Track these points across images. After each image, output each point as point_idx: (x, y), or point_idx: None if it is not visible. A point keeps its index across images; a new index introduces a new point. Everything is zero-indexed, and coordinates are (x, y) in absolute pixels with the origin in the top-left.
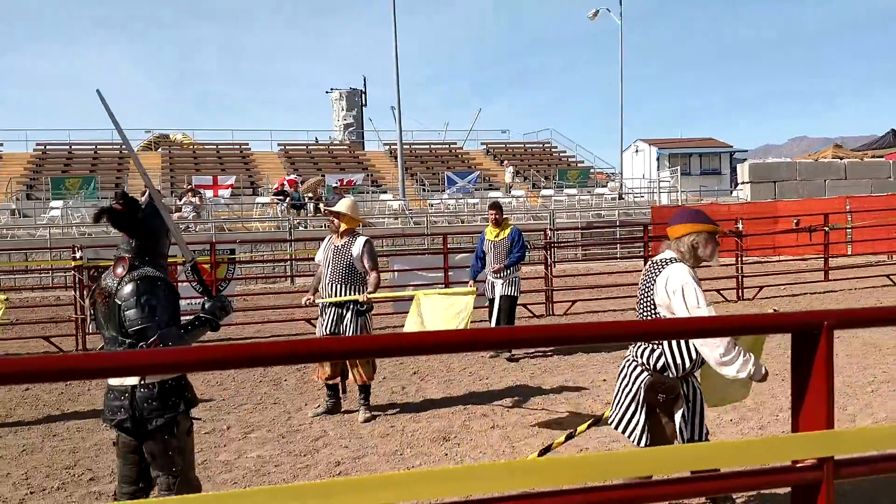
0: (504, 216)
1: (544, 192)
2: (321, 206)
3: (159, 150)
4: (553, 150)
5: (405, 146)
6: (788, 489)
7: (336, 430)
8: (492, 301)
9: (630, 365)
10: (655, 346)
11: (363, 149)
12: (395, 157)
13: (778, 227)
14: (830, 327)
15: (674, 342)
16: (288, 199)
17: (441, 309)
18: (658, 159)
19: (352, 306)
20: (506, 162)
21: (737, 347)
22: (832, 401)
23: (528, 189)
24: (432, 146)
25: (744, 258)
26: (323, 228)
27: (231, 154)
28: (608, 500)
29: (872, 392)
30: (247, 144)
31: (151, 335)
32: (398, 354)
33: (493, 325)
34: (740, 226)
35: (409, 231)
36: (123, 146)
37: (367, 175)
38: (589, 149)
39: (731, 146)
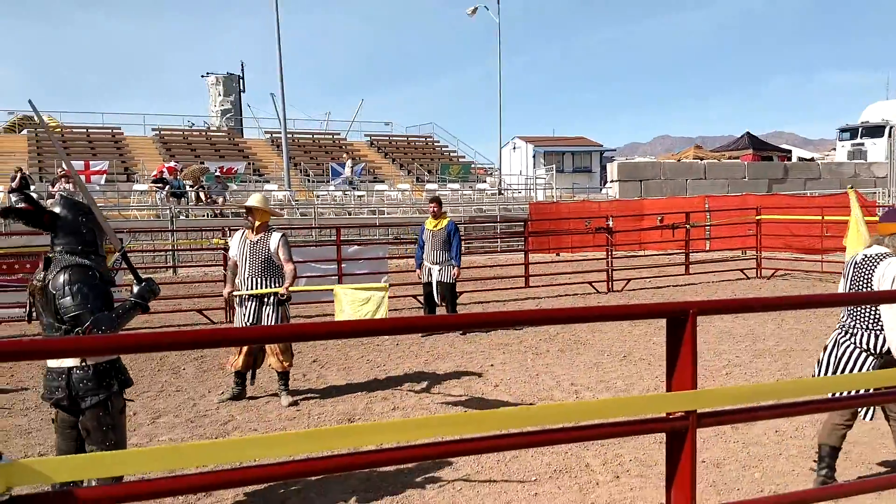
0: (443, 209)
1: (428, 185)
2: (202, 195)
3: (24, 132)
4: (435, 144)
5: (287, 135)
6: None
7: (243, 415)
8: (428, 285)
9: (852, 354)
10: (878, 333)
11: (242, 136)
12: (277, 146)
13: (644, 223)
14: (695, 314)
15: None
16: (168, 186)
17: (358, 302)
18: (534, 156)
19: (271, 298)
20: (345, 155)
21: None
22: (696, 369)
23: (413, 182)
24: (315, 136)
25: (613, 252)
26: (205, 217)
27: (102, 138)
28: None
29: (727, 375)
30: (119, 129)
31: (86, 321)
32: (338, 337)
33: (438, 304)
34: (611, 222)
35: (298, 223)
36: (115, 129)
37: (249, 163)
38: (470, 144)
39: (602, 145)
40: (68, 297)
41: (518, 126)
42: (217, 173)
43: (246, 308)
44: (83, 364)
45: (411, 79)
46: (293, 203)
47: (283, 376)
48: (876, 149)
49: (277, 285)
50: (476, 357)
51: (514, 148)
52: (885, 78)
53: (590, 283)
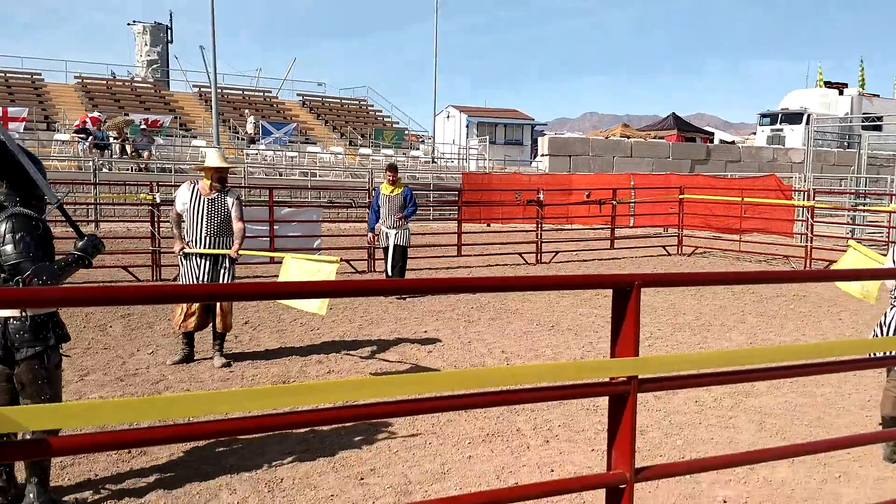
0: (399, 176)
1: (362, 150)
2: (127, 147)
3: None
4: (370, 108)
5: (217, 90)
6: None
7: (175, 375)
8: (386, 249)
9: None
10: None
11: (169, 88)
12: (206, 101)
13: (572, 198)
14: (640, 286)
15: None
16: (91, 137)
17: (307, 273)
18: (468, 126)
19: (226, 258)
20: (247, 112)
21: None
22: (638, 338)
23: (346, 146)
24: (245, 92)
25: (543, 225)
26: (130, 171)
27: (21, 84)
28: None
29: (649, 347)
30: (39, 74)
31: (26, 270)
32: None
33: (389, 269)
34: (541, 195)
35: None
36: (35, 74)
37: (176, 117)
38: (404, 110)
39: (533, 119)
40: (10, 245)
41: (450, 95)
42: (142, 126)
43: (198, 267)
44: (22, 315)
45: (345, 35)
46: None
47: (221, 337)
48: (794, 135)
49: (229, 246)
50: (409, 323)
51: (448, 117)
52: (805, 67)
53: (519, 254)
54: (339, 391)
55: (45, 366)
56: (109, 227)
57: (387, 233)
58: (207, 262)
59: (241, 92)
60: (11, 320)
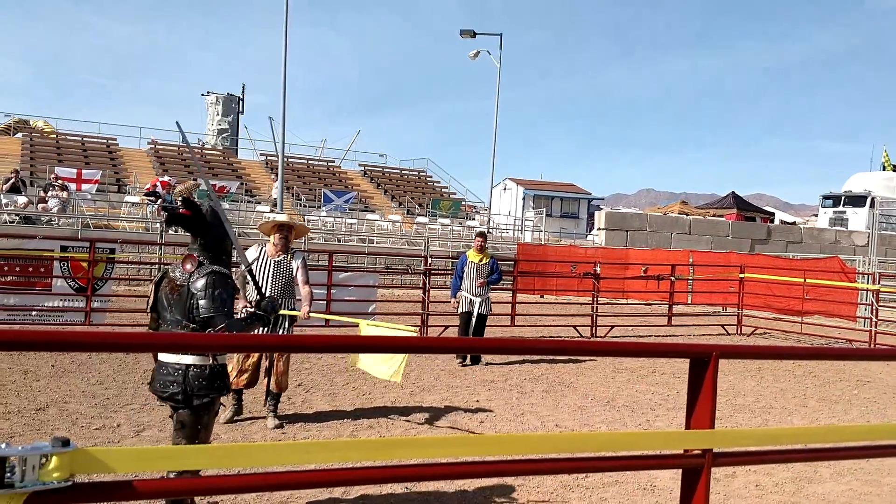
0: (487, 244)
1: (419, 219)
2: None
3: (18, 135)
4: (428, 178)
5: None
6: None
7: (228, 434)
8: (468, 314)
9: None
10: None
11: (237, 156)
12: (271, 168)
13: (628, 272)
14: (718, 356)
15: None
16: (160, 200)
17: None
18: (524, 199)
19: (286, 320)
20: (273, 177)
21: None
22: (714, 409)
23: (403, 215)
24: (309, 161)
25: (598, 298)
26: None
27: (97, 148)
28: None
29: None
30: (114, 139)
31: (220, 323)
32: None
33: (469, 334)
34: (598, 269)
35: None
36: (110, 139)
37: (242, 184)
38: (461, 181)
39: (590, 193)
40: (206, 300)
41: (507, 166)
42: (209, 192)
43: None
44: (202, 364)
45: (407, 110)
46: None
47: (276, 397)
48: (857, 217)
49: (289, 307)
50: (461, 392)
51: (505, 189)
52: (870, 150)
53: (574, 326)
54: (411, 447)
55: (208, 413)
56: None
57: (471, 299)
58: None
59: (305, 161)
60: (192, 367)
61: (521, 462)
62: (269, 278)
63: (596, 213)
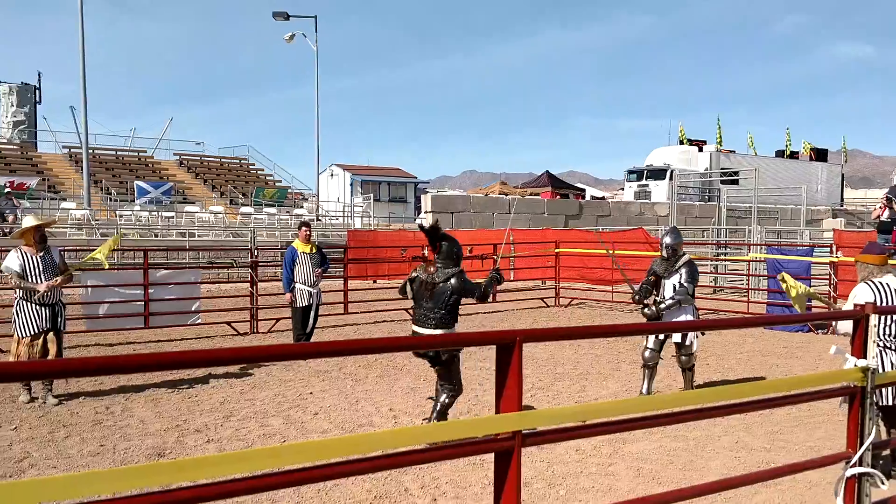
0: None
1: (244, 209)
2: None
3: None
4: (251, 167)
5: (88, 150)
6: None
7: (40, 452)
8: (305, 308)
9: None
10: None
11: (36, 150)
12: (76, 162)
13: None
14: (521, 341)
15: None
16: None
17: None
18: (352, 184)
19: (61, 305)
20: (78, 171)
21: None
22: (521, 393)
23: (226, 205)
24: (119, 152)
25: None
26: (4, 237)
27: None
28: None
29: (532, 398)
30: None
31: (470, 294)
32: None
33: (310, 327)
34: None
35: (98, 244)
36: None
37: (43, 179)
38: (287, 169)
39: (416, 177)
40: (455, 286)
41: (333, 152)
42: (7, 189)
43: (38, 315)
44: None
45: (224, 98)
46: (93, 223)
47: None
48: (658, 190)
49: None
50: (295, 385)
51: (332, 175)
52: (668, 125)
53: (406, 310)
54: (218, 465)
55: (455, 362)
56: None
57: (309, 292)
58: (46, 310)
59: (113, 152)
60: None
61: (334, 466)
62: (42, 272)
63: (422, 196)
